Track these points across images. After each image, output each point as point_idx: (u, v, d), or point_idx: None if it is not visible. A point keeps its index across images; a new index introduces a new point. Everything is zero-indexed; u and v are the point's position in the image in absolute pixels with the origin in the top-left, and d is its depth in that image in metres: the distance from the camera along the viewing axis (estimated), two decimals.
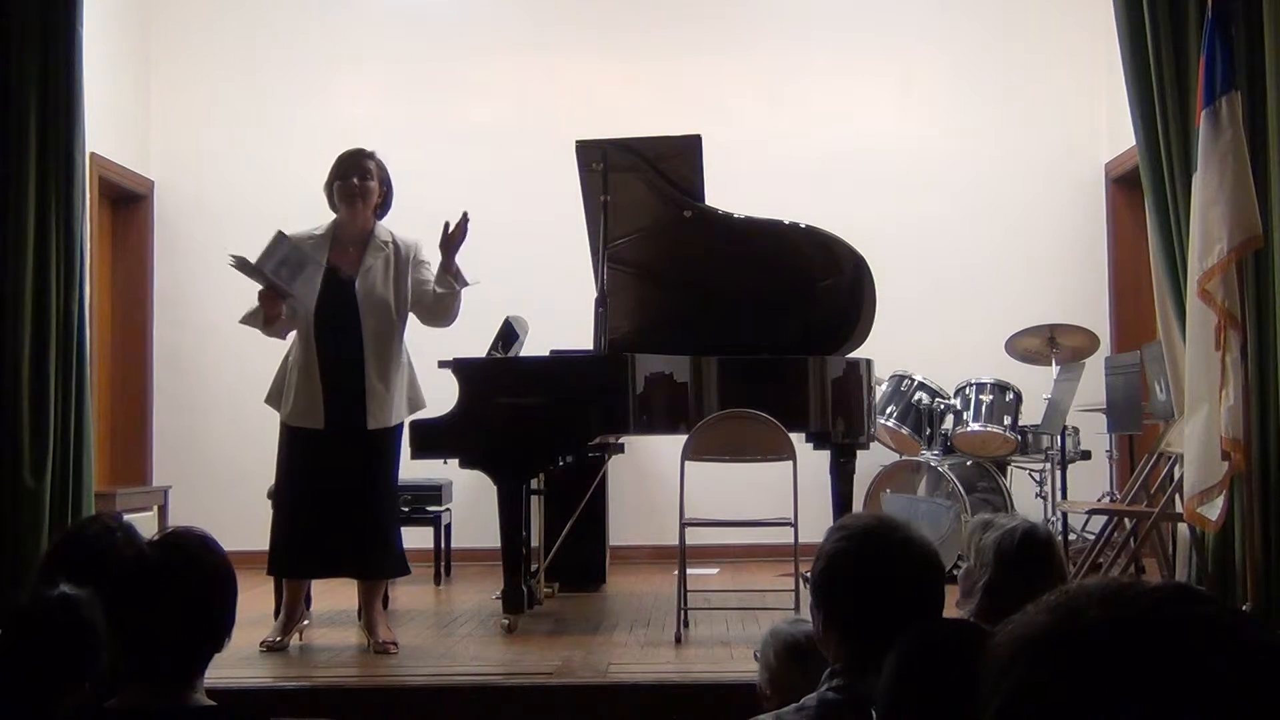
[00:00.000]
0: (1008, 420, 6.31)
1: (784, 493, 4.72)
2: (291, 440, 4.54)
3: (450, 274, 4.57)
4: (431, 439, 4.74)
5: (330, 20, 7.55)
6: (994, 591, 2.54)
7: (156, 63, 7.49)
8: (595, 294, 5.08)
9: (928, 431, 6.41)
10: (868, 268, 5.37)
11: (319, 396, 4.47)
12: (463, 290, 4.60)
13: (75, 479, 4.88)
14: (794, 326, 5.45)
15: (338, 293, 4.51)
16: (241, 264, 4.36)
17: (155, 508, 6.85)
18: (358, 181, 4.55)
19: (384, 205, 4.67)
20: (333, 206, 4.63)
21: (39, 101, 4.87)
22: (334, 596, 5.13)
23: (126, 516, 5.95)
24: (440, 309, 4.61)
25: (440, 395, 4.85)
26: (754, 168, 7.11)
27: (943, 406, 6.41)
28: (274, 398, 4.61)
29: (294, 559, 4.51)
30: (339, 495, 4.45)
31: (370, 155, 4.62)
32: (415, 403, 4.69)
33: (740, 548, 6.65)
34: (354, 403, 4.47)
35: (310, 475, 4.50)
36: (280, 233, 4.43)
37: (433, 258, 4.68)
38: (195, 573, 1.94)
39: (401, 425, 4.62)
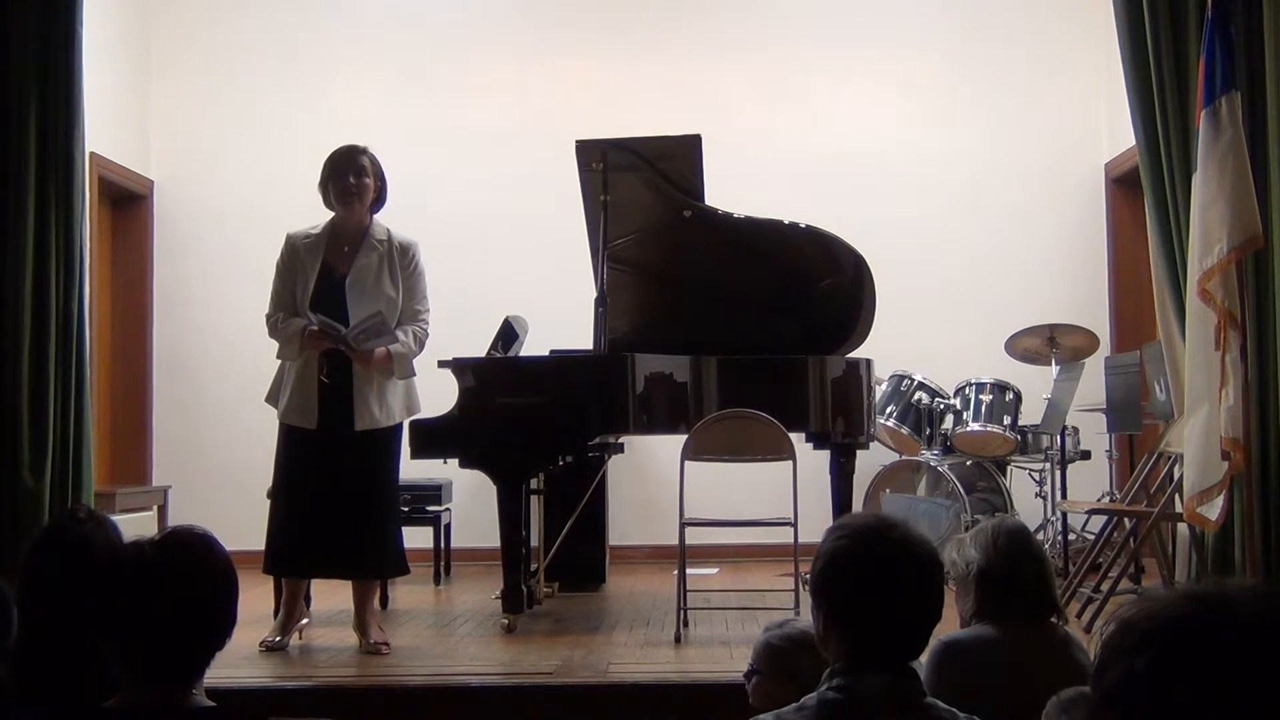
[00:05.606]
0: (1007, 420, 6.31)
1: (784, 493, 4.73)
2: (286, 438, 4.55)
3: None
4: (431, 439, 4.75)
5: (330, 20, 7.55)
6: (987, 578, 2.69)
7: (156, 63, 7.49)
8: (595, 294, 5.08)
9: (927, 431, 6.40)
10: (868, 267, 5.37)
11: (313, 395, 4.46)
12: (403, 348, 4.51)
13: (75, 479, 4.89)
14: (794, 326, 5.44)
15: (330, 291, 4.50)
16: (326, 326, 4.38)
17: (155, 508, 6.86)
18: (354, 180, 4.52)
19: (379, 200, 4.64)
20: (328, 204, 4.61)
21: (39, 101, 4.87)
22: (334, 596, 5.13)
23: (126, 516, 6.04)
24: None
25: (440, 395, 4.85)
26: (754, 168, 7.11)
27: (943, 406, 6.40)
28: (273, 395, 4.61)
29: (288, 558, 4.51)
30: (333, 496, 4.43)
31: (363, 151, 4.58)
32: (412, 407, 4.66)
33: (740, 548, 6.65)
34: (344, 403, 4.46)
35: (305, 474, 4.50)
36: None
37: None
38: (196, 571, 1.93)
39: (399, 427, 4.60)
